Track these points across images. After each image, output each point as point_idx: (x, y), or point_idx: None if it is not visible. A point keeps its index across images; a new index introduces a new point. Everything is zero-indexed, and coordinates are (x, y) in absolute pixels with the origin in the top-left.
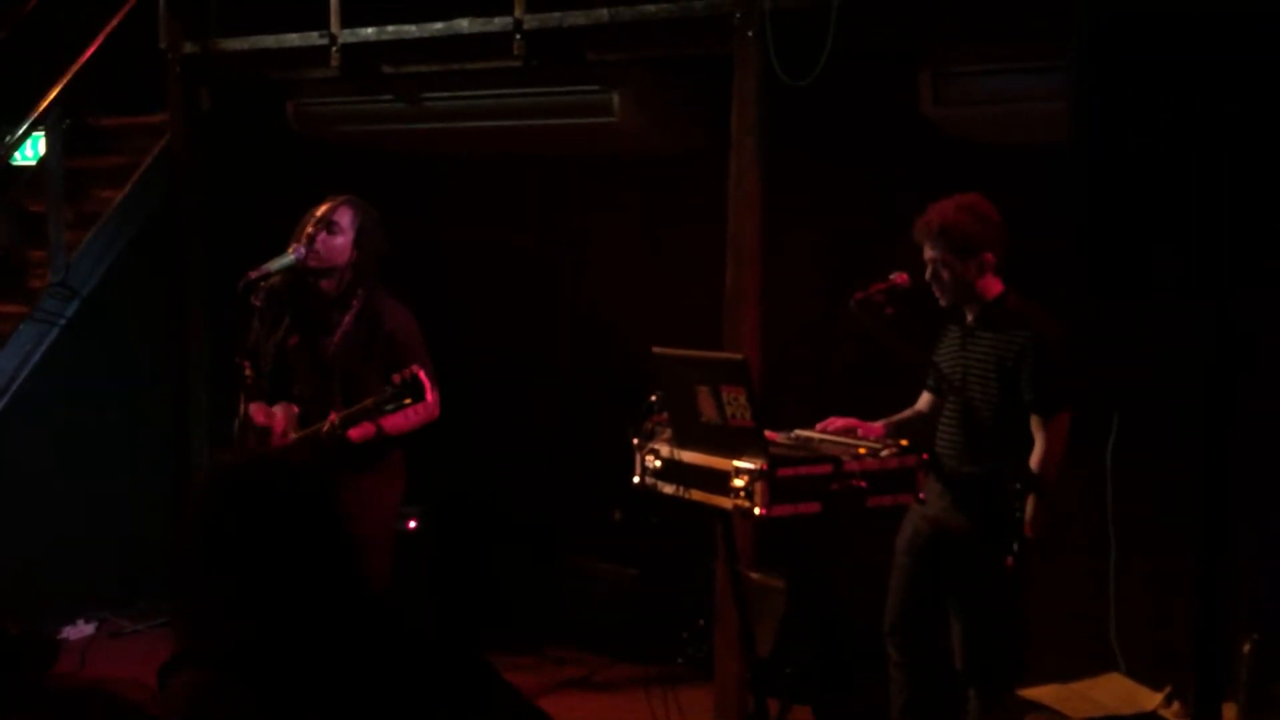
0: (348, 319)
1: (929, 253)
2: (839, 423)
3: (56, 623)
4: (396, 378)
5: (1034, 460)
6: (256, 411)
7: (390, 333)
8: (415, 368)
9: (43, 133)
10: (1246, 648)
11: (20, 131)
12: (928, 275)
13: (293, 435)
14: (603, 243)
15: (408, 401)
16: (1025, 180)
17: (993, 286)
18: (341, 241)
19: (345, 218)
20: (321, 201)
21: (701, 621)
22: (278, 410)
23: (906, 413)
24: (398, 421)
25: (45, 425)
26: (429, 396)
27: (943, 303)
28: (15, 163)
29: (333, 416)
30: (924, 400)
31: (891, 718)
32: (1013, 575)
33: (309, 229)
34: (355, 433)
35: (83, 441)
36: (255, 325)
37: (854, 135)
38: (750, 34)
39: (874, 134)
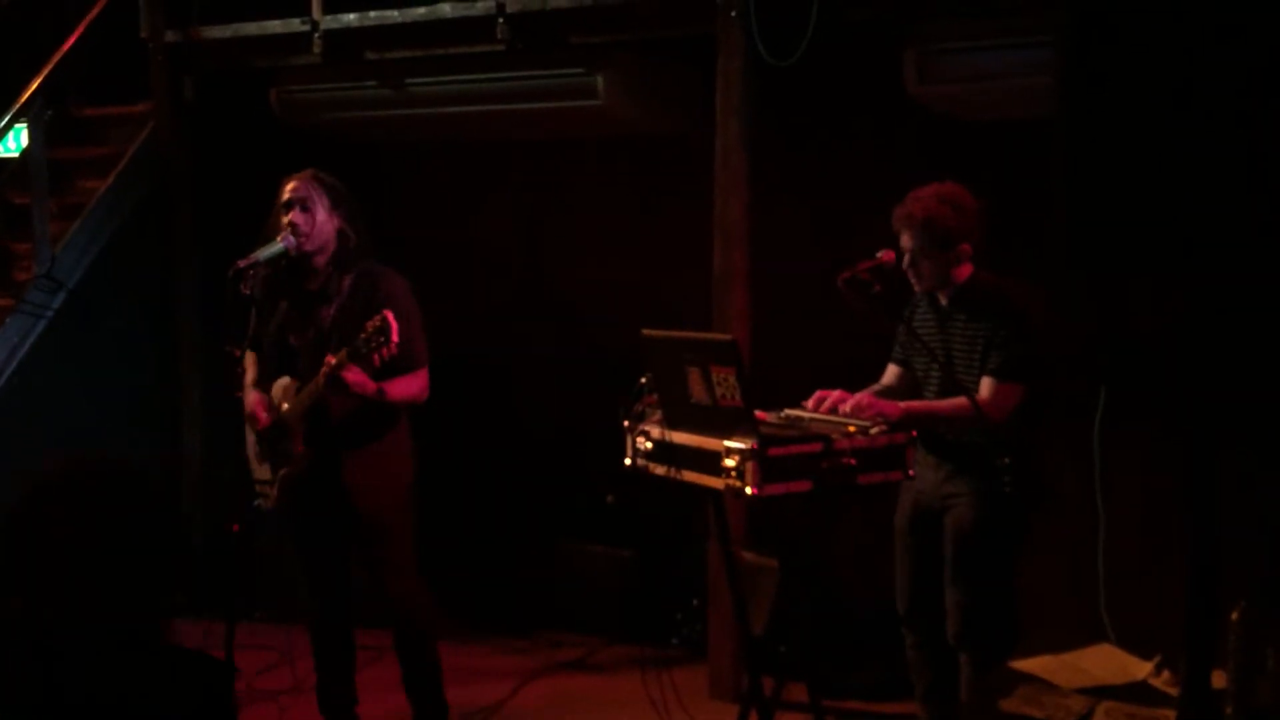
0: (345, 286)
1: (907, 242)
2: (832, 397)
3: None
4: (369, 324)
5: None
6: (253, 404)
7: (386, 296)
8: (385, 311)
9: (25, 124)
10: (1235, 615)
11: (2, 123)
12: (905, 263)
13: (285, 406)
14: (590, 226)
15: (381, 342)
16: (1009, 156)
17: (964, 271)
18: (321, 216)
19: (313, 192)
20: (284, 184)
21: (696, 601)
22: (257, 396)
23: (874, 388)
24: (397, 388)
25: (33, 419)
26: (397, 338)
27: (918, 289)
28: None
29: (329, 358)
30: (890, 374)
31: (916, 699)
32: (1007, 545)
33: (285, 217)
34: (351, 376)
35: (71, 435)
36: (253, 314)
37: (839, 114)
38: (734, 14)
39: (859, 113)
